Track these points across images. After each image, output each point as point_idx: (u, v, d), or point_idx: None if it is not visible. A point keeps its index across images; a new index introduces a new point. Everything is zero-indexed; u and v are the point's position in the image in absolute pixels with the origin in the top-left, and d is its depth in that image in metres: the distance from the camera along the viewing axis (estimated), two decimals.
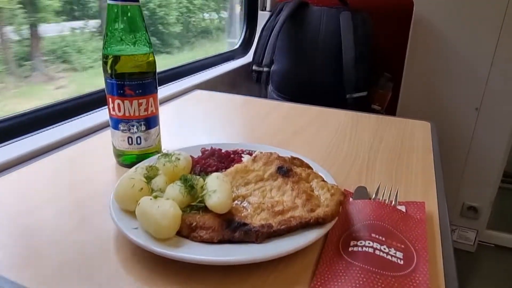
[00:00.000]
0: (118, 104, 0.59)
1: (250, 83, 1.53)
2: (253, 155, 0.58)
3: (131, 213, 0.45)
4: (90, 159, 0.67)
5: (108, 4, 0.56)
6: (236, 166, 0.55)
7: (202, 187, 0.47)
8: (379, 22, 1.37)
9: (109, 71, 0.58)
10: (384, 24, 1.42)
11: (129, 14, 0.56)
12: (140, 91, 0.59)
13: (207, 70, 1.42)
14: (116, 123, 0.60)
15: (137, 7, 0.57)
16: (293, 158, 0.57)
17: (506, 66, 1.59)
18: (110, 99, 0.59)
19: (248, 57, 1.68)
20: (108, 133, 0.78)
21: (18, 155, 0.65)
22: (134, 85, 0.58)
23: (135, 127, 0.60)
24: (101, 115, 0.85)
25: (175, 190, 0.46)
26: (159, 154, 0.53)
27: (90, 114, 0.87)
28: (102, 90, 0.96)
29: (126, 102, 0.59)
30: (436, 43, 1.64)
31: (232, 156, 0.61)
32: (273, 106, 1.01)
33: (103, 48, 0.58)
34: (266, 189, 0.51)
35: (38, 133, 0.75)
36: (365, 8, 1.38)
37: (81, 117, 0.84)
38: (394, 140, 0.79)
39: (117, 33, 0.57)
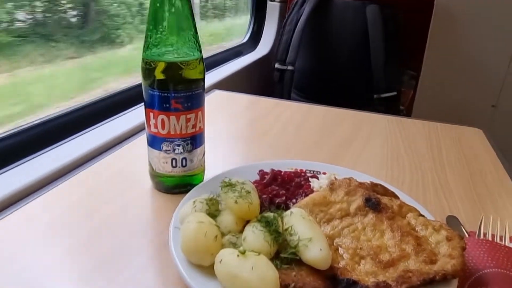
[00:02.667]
0: (162, 120, 0.48)
1: (264, 80, 1.43)
2: (329, 181, 0.48)
3: (201, 268, 0.36)
4: (116, 183, 0.56)
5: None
6: (313, 197, 0.46)
7: (287, 230, 0.38)
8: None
9: (152, 80, 0.47)
10: (403, 18, 1.34)
11: (177, 10, 0.46)
12: (189, 104, 0.48)
13: (217, 68, 1.31)
14: (157, 142, 0.50)
15: (186, 1, 0.46)
16: (374, 185, 0.48)
17: None
18: (151, 114, 0.49)
19: (257, 52, 1.58)
20: (135, 144, 0.68)
21: (22, 186, 0.54)
22: (182, 97, 0.48)
23: (181, 147, 0.50)
24: (122, 122, 0.74)
25: (259, 238, 0.36)
26: (221, 184, 0.43)
27: (105, 123, 0.75)
28: (122, 92, 0.86)
29: (172, 117, 0.48)
30: (456, 37, 1.57)
31: (297, 180, 0.51)
32: (305, 110, 0.92)
33: (144, 51, 0.47)
34: (358, 228, 0.42)
35: (42, 154, 0.63)
36: (385, 1, 1.29)
37: (94, 128, 0.73)
38: (455, 152, 0.71)
39: (163, 33, 0.46)
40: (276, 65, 1.11)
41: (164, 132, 0.49)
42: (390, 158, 0.68)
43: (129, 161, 0.62)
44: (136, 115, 0.81)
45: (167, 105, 0.47)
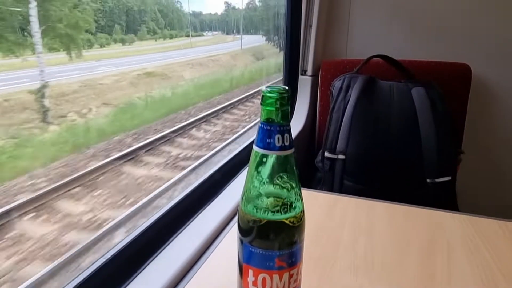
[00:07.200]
0: (264, 279, 0.44)
1: (300, 158, 1.40)
2: None
3: None
4: None
5: (255, 152, 0.43)
6: None
7: None
8: None
9: (252, 237, 0.43)
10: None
11: (283, 165, 0.43)
12: (293, 260, 0.44)
13: None
14: None
15: (292, 155, 0.43)
16: None
17: None
18: (250, 271, 0.44)
19: (292, 128, 1.56)
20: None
21: None
22: (286, 255, 0.43)
23: None
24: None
25: None
26: None
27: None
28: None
29: (275, 276, 0.44)
30: (495, 109, 1.55)
31: None
32: (368, 209, 0.87)
33: (243, 204, 0.44)
34: None
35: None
36: (423, 77, 1.29)
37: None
38: None
39: (266, 189, 0.43)
40: (326, 154, 1.08)
41: None
42: (485, 281, 0.62)
43: None
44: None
45: (271, 264, 0.43)
